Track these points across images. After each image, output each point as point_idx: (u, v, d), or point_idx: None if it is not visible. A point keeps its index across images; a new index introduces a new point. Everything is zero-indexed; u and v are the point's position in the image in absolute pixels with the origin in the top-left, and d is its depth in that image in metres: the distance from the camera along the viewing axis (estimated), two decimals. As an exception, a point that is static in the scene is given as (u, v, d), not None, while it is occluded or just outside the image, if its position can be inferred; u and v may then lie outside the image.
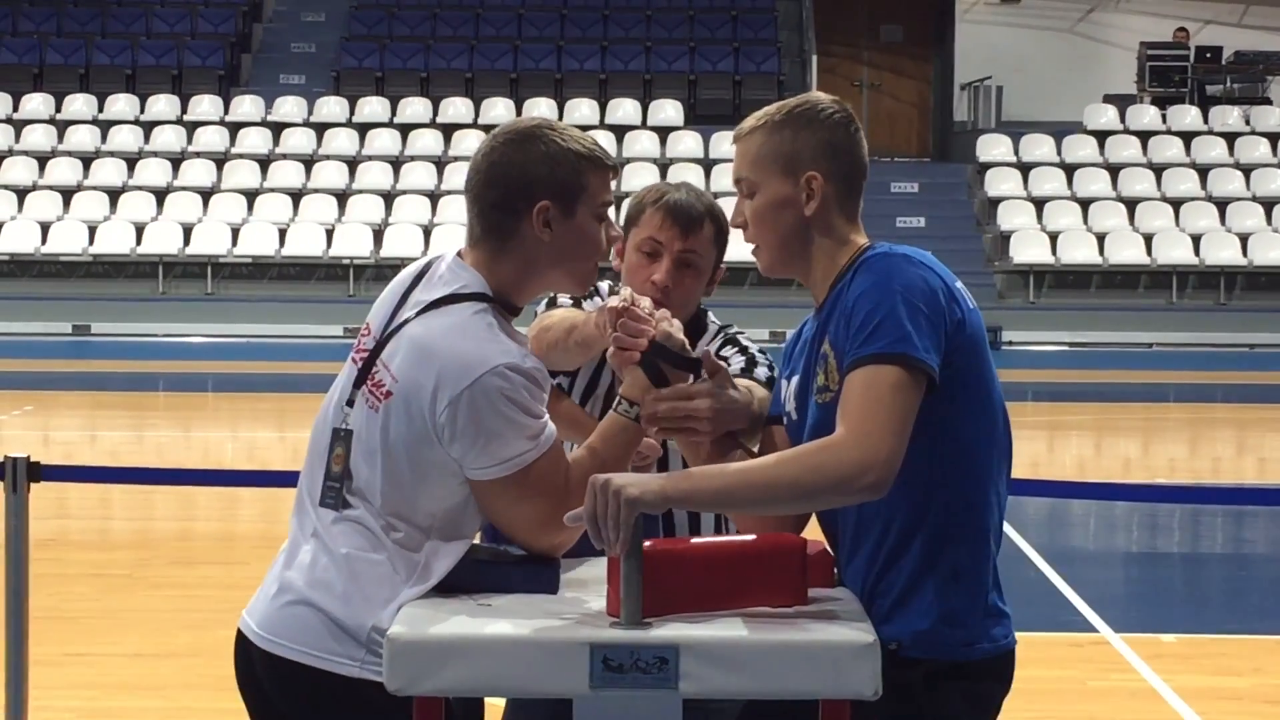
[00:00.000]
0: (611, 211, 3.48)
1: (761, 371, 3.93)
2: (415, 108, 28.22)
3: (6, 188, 26.62)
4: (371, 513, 3.33)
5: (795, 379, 3.48)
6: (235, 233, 25.84)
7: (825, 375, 3.34)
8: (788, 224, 3.40)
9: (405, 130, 27.86)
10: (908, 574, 3.31)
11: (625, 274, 4.00)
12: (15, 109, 28.03)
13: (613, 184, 3.48)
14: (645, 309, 3.45)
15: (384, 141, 27.59)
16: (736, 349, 4.01)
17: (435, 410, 3.27)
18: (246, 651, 3.40)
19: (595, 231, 3.42)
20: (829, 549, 3.49)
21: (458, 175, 26.87)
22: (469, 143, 27.31)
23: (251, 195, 26.60)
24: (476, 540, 3.46)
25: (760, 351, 3.98)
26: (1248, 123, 28.56)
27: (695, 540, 3.42)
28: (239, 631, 3.43)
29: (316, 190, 26.75)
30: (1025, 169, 27.62)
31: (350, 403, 3.38)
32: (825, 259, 3.41)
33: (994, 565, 3.39)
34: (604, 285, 3.87)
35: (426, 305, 3.36)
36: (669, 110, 28.30)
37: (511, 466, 3.29)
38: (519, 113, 27.77)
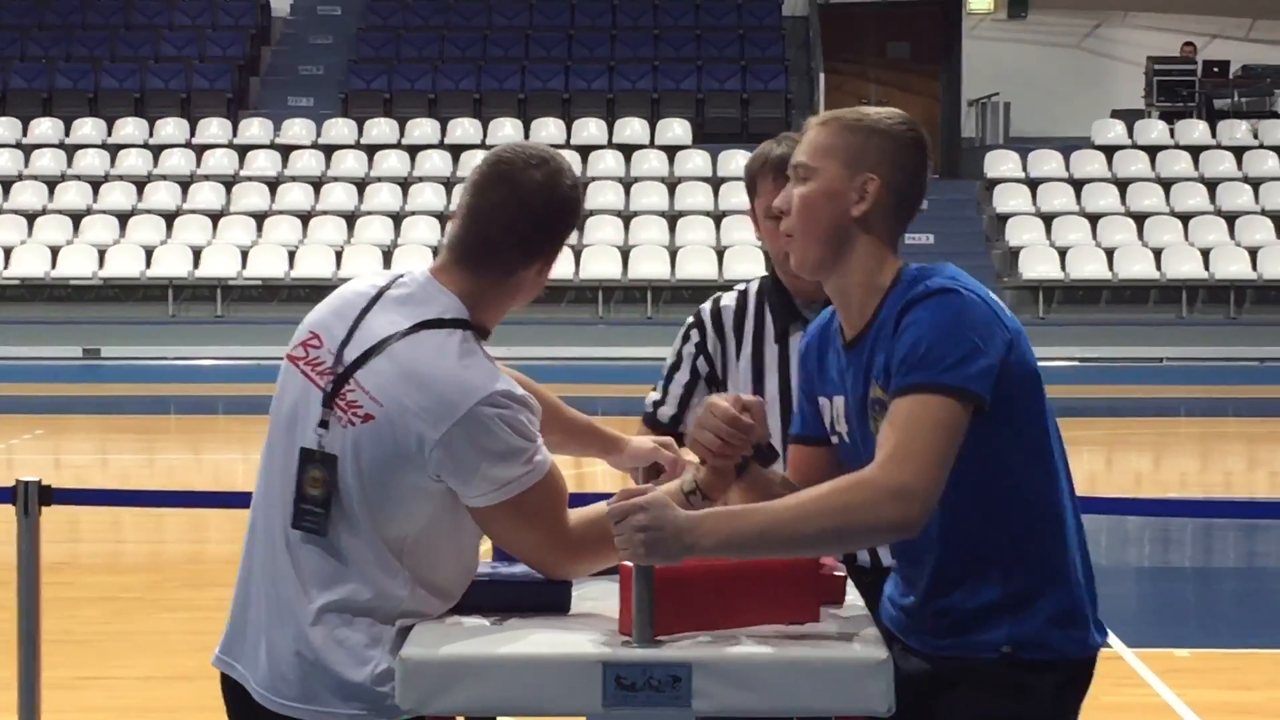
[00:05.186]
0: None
1: None
2: (423, 129, 28.25)
3: (16, 212, 26.66)
4: (350, 539, 3.29)
5: (840, 400, 3.40)
6: (244, 255, 25.86)
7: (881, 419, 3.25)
8: (832, 217, 3.31)
9: (413, 151, 27.88)
10: (982, 598, 3.27)
11: (767, 241, 4.19)
12: (24, 134, 28.08)
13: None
14: (746, 411, 3.39)
15: (392, 163, 27.61)
16: None
17: (426, 436, 3.23)
18: (250, 710, 3.37)
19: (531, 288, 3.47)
20: (841, 565, 3.48)
21: (466, 196, 26.85)
22: (477, 163, 27.24)
23: (260, 217, 26.62)
24: (488, 563, 3.46)
25: None
26: (1256, 136, 28.54)
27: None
28: (232, 680, 3.40)
29: (325, 212, 26.76)
30: (1033, 184, 27.60)
31: (324, 424, 3.32)
32: (862, 270, 3.32)
33: (1078, 567, 3.33)
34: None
35: (411, 328, 3.32)
36: (676, 129, 28.30)
37: (508, 491, 3.27)
38: (527, 133, 27.80)
